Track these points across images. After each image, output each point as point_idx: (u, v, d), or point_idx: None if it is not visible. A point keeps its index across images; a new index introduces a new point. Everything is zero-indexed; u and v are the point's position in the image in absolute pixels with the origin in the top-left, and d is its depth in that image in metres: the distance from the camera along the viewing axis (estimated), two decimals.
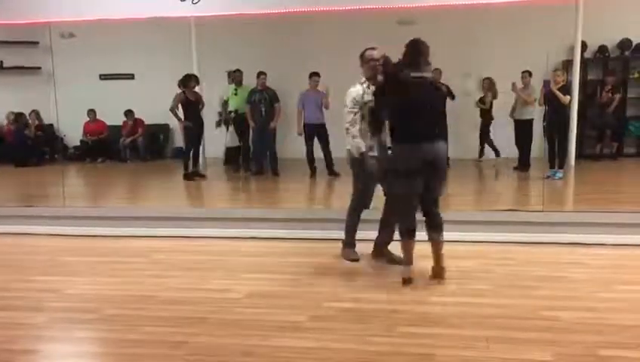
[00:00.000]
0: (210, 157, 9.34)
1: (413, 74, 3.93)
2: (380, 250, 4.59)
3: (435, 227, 4.08)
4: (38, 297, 4.03)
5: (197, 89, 8.36)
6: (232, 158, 9.42)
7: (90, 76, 10.91)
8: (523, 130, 8.44)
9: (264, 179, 8.48)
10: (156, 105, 9.05)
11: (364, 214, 4.59)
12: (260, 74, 8.61)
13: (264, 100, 8.56)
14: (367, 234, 4.63)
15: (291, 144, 8.83)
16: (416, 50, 3.96)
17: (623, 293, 3.84)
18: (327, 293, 3.96)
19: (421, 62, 3.95)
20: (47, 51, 8.84)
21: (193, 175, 8.41)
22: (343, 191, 7.36)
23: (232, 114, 9.04)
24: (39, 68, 10.60)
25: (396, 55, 4.26)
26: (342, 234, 4.74)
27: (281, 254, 4.95)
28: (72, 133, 10.78)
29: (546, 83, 7.90)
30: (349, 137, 4.35)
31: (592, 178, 8.36)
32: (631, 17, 9.17)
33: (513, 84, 8.30)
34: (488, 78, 8.95)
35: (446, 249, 4.14)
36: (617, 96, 9.49)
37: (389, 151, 4.30)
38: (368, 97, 4.32)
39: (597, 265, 4.49)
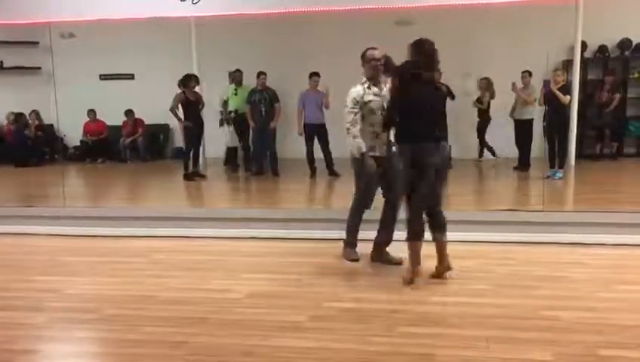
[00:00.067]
0: (210, 157, 9.34)
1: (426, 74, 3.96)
2: (380, 250, 4.59)
3: (438, 227, 4.09)
4: (38, 297, 4.03)
5: (197, 89, 8.35)
6: (231, 158, 9.42)
7: (90, 76, 10.91)
8: (523, 130, 8.44)
9: (264, 179, 8.48)
10: (156, 106, 9.05)
11: (364, 214, 4.58)
12: (260, 74, 8.61)
13: (264, 100, 8.56)
14: (367, 234, 4.63)
15: (291, 144, 8.83)
16: (432, 51, 3.95)
17: (623, 293, 3.84)
18: (328, 293, 3.96)
19: (436, 64, 3.96)
20: (47, 51, 8.84)
21: (193, 175, 8.41)
22: (343, 192, 7.37)
23: (232, 114, 9.04)
24: (39, 68, 10.60)
25: (396, 55, 4.26)
26: (342, 234, 4.74)
27: (281, 254, 4.96)
28: (72, 133, 10.78)
29: (546, 83, 7.90)
30: (349, 137, 4.35)
31: (592, 178, 8.36)
32: (631, 17, 9.17)
33: (513, 84, 8.30)
34: (486, 78, 8.95)
35: (447, 249, 4.15)
36: (617, 96, 9.49)
37: (393, 148, 4.33)
38: (369, 97, 4.32)
39: (597, 265, 4.49)
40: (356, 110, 4.32)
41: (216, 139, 9.24)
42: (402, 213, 4.55)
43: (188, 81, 8.17)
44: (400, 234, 4.61)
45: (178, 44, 9.10)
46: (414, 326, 3.37)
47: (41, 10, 6.45)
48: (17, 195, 7.93)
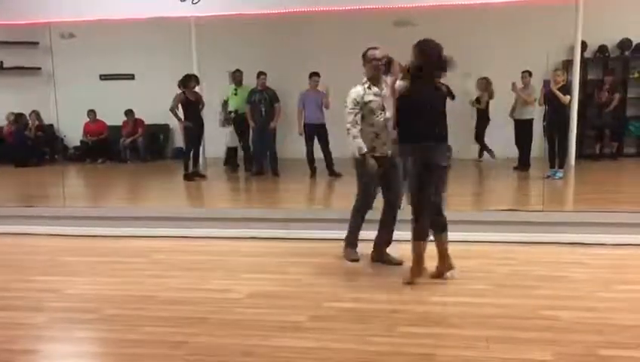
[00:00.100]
0: (210, 157, 9.34)
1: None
2: (380, 250, 4.59)
3: (439, 227, 4.09)
4: (38, 297, 4.03)
5: (197, 89, 8.36)
6: (231, 158, 9.43)
7: (90, 76, 10.91)
8: (523, 130, 8.45)
9: (264, 180, 8.48)
10: (156, 106, 9.05)
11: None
12: (260, 74, 8.61)
13: (264, 100, 8.56)
14: (367, 234, 4.63)
15: (291, 144, 8.83)
16: (440, 52, 3.95)
17: (623, 293, 3.84)
18: (328, 293, 3.96)
19: (446, 64, 3.98)
20: (47, 52, 8.85)
21: (193, 175, 8.41)
22: (343, 192, 7.38)
23: (232, 114, 9.05)
24: (39, 68, 10.60)
25: (396, 55, 4.26)
26: (342, 234, 4.74)
27: (281, 254, 4.95)
28: (72, 133, 10.79)
29: (546, 83, 7.91)
30: (349, 138, 4.34)
31: (592, 178, 8.36)
32: (631, 17, 9.17)
33: (513, 84, 8.30)
34: (484, 78, 8.95)
35: (448, 249, 4.15)
36: (617, 96, 9.49)
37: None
38: (369, 97, 4.32)
39: (597, 264, 4.49)
40: (356, 110, 4.32)
41: (216, 139, 9.24)
42: (404, 214, 4.56)
43: (188, 82, 8.17)
44: (400, 234, 4.62)
45: (178, 44, 9.10)
46: (414, 326, 3.37)
47: (41, 11, 6.45)
48: (17, 195, 7.93)
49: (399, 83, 4.13)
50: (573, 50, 8.62)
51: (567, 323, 3.35)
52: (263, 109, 8.56)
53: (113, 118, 10.72)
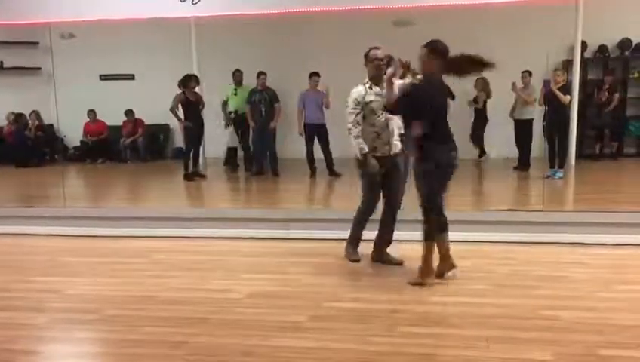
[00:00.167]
0: (210, 157, 9.34)
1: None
2: (380, 250, 4.59)
3: (440, 227, 4.09)
4: (39, 298, 4.03)
5: (197, 89, 8.36)
6: (231, 158, 9.43)
7: (90, 76, 10.91)
8: (523, 130, 8.45)
9: (264, 180, 8.48)
10: (156, 106, 9.05)
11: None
12: (260, 74, 8.61)
13: (264, 100, 8.56)
14: (367, 234, 4.63)
15: (291, 144, 8.83)
16: (447, 52, 3.95)
17: (623, 293, 3.84)
18: (327, 293, 3.96)
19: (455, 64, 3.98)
20: (47, 52, 8.85)
21: (193, 175, 8.42)
22: (343, 192, 7.40)
23: (232, 114, 9.05)
24: (39, 68, 10.60)
25: (397, 54, 4.26)
26: (342, 234, 4.74)
27: (281, 254, 4.96)
28: (73, 133, 10.79)
29: (546, 83, 7.91)
30: (351, 138, 4.34)
31: (592, 178, 8.36)
32: (631, 17, 9.17)
33: (513, 84, 8.30)
34: (482, 78, 8.95)
35: (450, 249, 4.15)
36: (616, 96, 9.48)
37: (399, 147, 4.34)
38: (370, 97, 4.31)
39: (597, 265, 4.49)
40: (357, 110, 4.32)
41: (216, 139, 9.25)
42: (404, 214, 4.57)
43: (188, 82, 8.18)
44: (400, 234, 4.63)
45: (178, 44, 9.10)
46: (414, 326, 3.37)
47: (41, 11, 6.45)
48: (17, 196, 7.94)
49: (401, 82, 4.13)
50: (573, 50, 8.62)
51: (567, 323, 3.35)
52: (263, 109, 8.57)
53: (113, 118, 10.73)
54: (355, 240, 4.61)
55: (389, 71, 4.09)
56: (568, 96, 7.62)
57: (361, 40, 4.64)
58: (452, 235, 4.23)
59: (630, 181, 8.50)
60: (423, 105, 3.87)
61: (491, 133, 9.16)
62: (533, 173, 8.21)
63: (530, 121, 8.38)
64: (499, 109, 8.86)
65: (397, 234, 4.59)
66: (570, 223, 5.15)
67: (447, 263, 4.14)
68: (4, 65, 11.13)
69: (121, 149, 10.83)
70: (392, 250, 4.60)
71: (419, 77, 4.09)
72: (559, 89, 7.52)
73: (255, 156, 8.85)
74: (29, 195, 7.80)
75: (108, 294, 4.07)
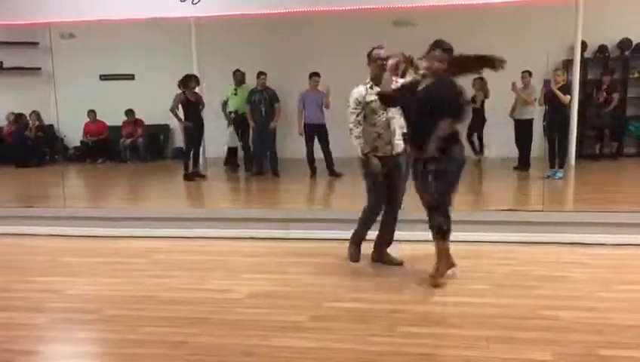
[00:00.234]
0: (210, 157, 9.34)
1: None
2: (381, 250, 4.59)
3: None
4: (39, 298, 4.03)
5: (197, 89, 8.36)
6: (231, 159, 9.43)
7: (90, 77, 10.90)
8: (523, 130, 8.45)
9: (264, 180, 8.48)
10: (156, 106, 9.04)
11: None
12: (260, 74, 8.61)
13: (264, 100, 8.56)
14: (367, 234, 4.62)
15: (291, 144, 8.83)
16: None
17: (623, 293, 3.84)
18: (328, 293, 3.96)
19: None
20: (47, 52, 8.84)
21: (193, 175, 8.42)
22: (343, 192, 7.40)
23: (232, 114, 9.05)
24: (39, 68, 10.60)
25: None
26: (342, 234, 4.74)
27: (281, 254, 4.96)
28: (73, 133, 10.78)
29: (547, 83, 7.91)
30: (352, 138, 4.34)
31: (592, 178, 8.36)
32: (631, 17, 9.17)
33: (513, 84, 8.30)
34: (480, 78, 8.94)
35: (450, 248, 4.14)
36: (616, 96, 9.48)
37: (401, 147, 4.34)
38: (370, 97, 4.30)
39: (597, 264, 4.49)
40: (358, 110, 4.31)
41: (216, 139, 9.24)
42: (404, 214, 4.56)
43: (188, 82, 8.18)
44: (400, 234, 4.63)
45: (178, 45, 9.10)
46: (414, 326, 3.37)
47: (41, 11, 6.45)
48: (18, 196, 7.94)
49: (404, 79, 4.12)
50: (573, 50, 8.62)
51: (567, 323, 3.36)
52: (263, 109, 8.56)
53: (113, 118, 10.72)
54: (359, 240, 4.60)
55: (392, 61, 4.08)
56: (568, 96, 7.63)
57: (361, 40, 4.64)
58: (452, 235, 4.23)
59: (630, 181, 8.50)
60: (442, 104, 3.84)
61: (491, 133, 9.14)
62: (533, 173, 8.21)
63: (530, 121, 8.37)
64: (498, 109, 8.85)
65: (397, 234, 4.59)
66: (570, 223, 5.15)
67: (447, 262, 4.14)
68: (4, 66, 11.12)
69: (121, 149, 10.82)
70: (392, 250, 4.60)
71: (421, 72, 4.07)
72: (559, 89, 7.52)
73: (255, 156, 8.85)
74: (29, 195, 7.80)
75: (108, 294, 4.07)
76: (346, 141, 4.44)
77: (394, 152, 4.38)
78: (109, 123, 10.96)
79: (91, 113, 10.88)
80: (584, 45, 8.94)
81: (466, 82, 9.34)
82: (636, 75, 9.89)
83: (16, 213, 6.26)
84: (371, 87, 4.33)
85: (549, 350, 3.00)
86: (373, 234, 4.60)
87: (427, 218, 4.06)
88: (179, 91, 8.20)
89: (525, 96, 8.32)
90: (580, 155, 8.92)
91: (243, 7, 6.31)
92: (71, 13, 6.48)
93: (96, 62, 10.64)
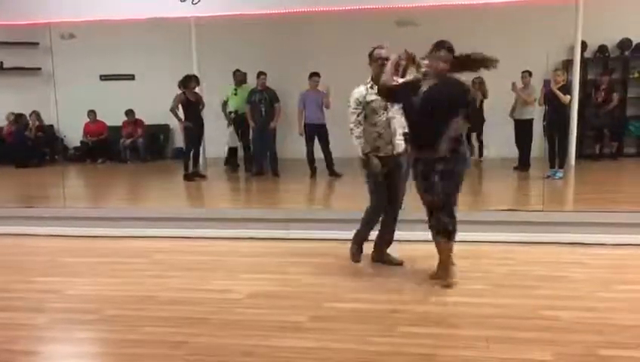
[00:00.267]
0: (210, 157, 9.34)
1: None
2: (381, 250, 4.59)
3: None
4: (39, 298, 4.03)
5: (197, 89, 8.36)
6: (231, 159, 9.43)
7: (90, 77, 10.90)
8: (523, 130, 8.45)
9: (264, 180, 8.48)
10: (156, 106, 9.05)
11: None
12: (260, 74, 8.61)
13: (264, 100, 8.56)
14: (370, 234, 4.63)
15: (291, 144, 8.83)
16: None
17: (623, 293, 3.84)
18: (328, 293, 3.97)
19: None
20: (47, 52, 8.84)
21: (193, 175, 8.42)
22: (343, 192, 7.40)
23: (232, 114, 9.05)
24: (39, 69, 10.60)
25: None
26: (342, 234, 4.74)
27: (281, 254, 4.96)
28: (73, 133, 10.78)
29: (547, 83, 7.90)
30: (352, 138, 4.34)
31: (592, 178, 8.36)
32: (631, 17, 9.17)
33: (513, 84, 8.30)
34: (478, 77, 8.93)
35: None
36: (615, 96, 9.47)
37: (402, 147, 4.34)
38: (371, 97, 4.29)
39: (597, 265, 4.49)
40: (359, 110, 4.31)
41: (216, 139, 9.24)
42: (404, 214, 4.56)
43: (188, 82, 8.18)
44: (400, 234, 4.63)
45: (178, 45, 9.10)
46: (414, 326, 3.38)
47: (41, 11, 6.45)
48: (18, 196, 7.94)
49: (406, 78, 4.12)
50: (573, 50, 8.62)
51: (567, 323, 3.36)
52: (263, 109, 8.56)
53: (113, 118, 10.72)
54: (361, 240, 4.60)
55: (394, 56, 4.08)
56: (568, 96, 7.63)
57: (362, 40, 4.64)
58: None
59: (630, 181, 8.50)
60: (447, 105, 3.83)
61: (490, 133, 9.14)
62: (533, 173, 8.21)
63: (530, 121, 8.37)
64: (498, 109, 8.84)
65: (397, 234, 4.59)
66: (570, 223, 5.15)
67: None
68: (5, 66, 11.12)
69: (121, 149, 10.82)
70: (392, 250, 4.60)
71: (423, 70, 4.06)
72: (559, 89, 7.52)
73: (255, 156, 8.85)
74: (29, 196, 7.81)
75: (108, 294, 4.08)
76: (347, 141, 4.44)
77: (395, 152, 4.38)
78: (109, 123, 10.96)
79: (91, 113, 10.88)
80: (584, 45, 8.95)
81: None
82: (636, 75, 9.88)
83: (16, 213, 6.26)
84: (372, 87, 4.32)
85: (549, 350, 3.00)
86: (373, 234, 4.60)
87: (427, 218, 4.06)
88: (179, 91, 8.20)
89: (525, 96, 8.32)
90: (580, 155, 8.92)
91: (243, 7, 6.30)
92: (71, 13, 6.47)
93: (96, 62, 10.64)
